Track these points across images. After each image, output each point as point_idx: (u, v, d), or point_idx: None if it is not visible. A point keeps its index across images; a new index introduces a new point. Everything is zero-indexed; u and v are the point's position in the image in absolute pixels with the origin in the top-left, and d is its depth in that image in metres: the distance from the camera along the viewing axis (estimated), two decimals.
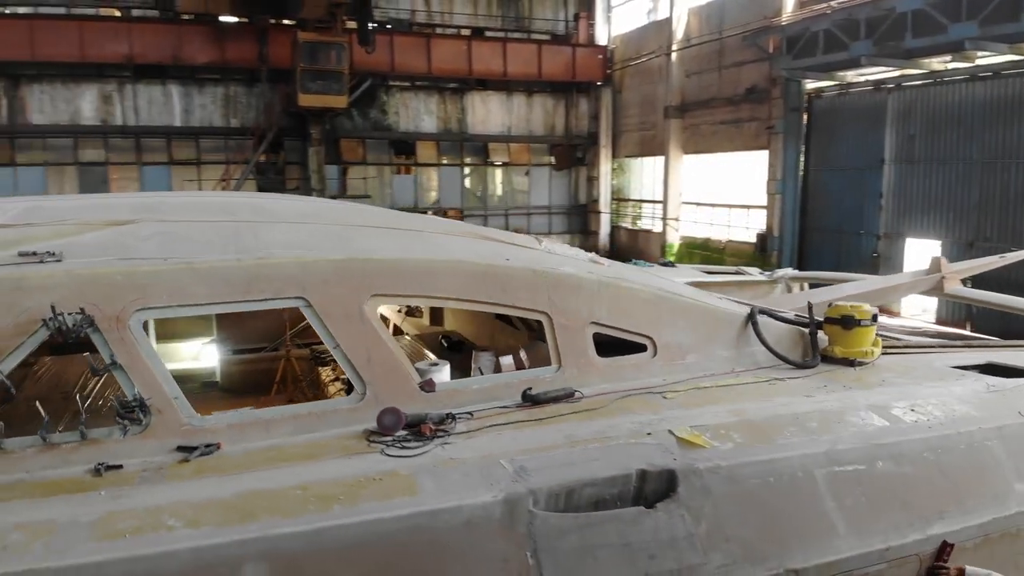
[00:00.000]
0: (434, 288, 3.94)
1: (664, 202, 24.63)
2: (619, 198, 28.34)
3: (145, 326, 3.37)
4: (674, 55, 23.52)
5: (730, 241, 22.20)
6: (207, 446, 3.21)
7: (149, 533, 2.56)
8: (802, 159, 19.54)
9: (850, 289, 8.22)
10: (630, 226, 27.73)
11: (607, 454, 3.21)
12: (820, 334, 4.87)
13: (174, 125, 24.00)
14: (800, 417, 3.65)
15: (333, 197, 24.84)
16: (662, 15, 24.56)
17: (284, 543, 2.60)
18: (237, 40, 23.07)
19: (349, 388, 3.82)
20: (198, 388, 7.82)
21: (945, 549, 3.42)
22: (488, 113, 27.21)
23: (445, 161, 27.26)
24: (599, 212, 28.24)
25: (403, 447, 3.24)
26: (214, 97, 24.31)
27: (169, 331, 8.61)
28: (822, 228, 19.46)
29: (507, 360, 4.47)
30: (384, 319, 7.79)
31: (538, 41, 26.80)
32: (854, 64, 16.24)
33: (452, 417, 3.54)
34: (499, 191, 28.40)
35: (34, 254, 3.39)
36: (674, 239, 24.49)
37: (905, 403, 3.92)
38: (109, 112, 23.38)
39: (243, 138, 24.12)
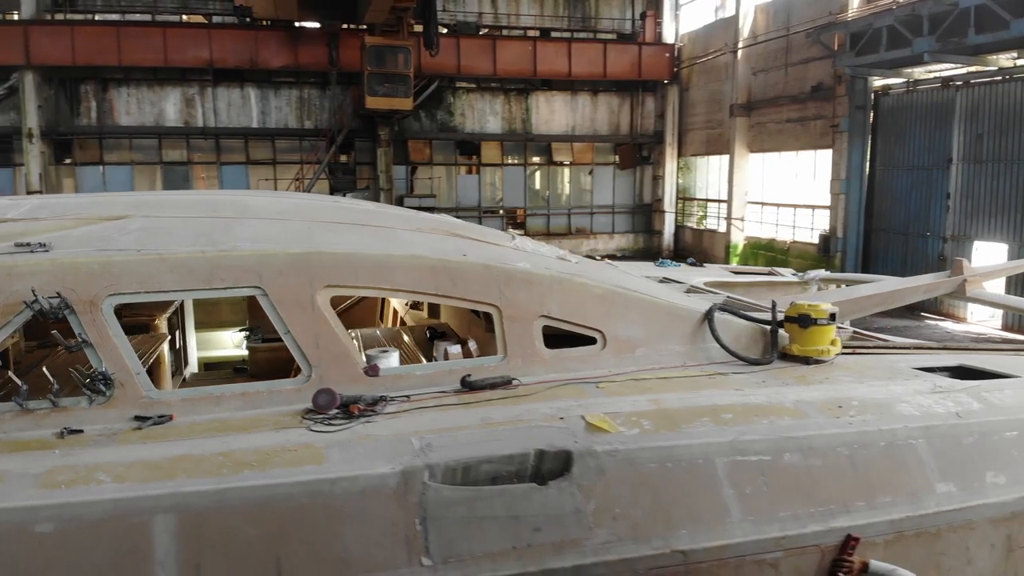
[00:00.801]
0: (387, 281, 4.24)
1: (728, 201, 24.34)
2: (684, 197, 28.12)
3: (117, 311, 3.81)
4: (740, 52, 23.22)
5: (794, 242, 21.78)
6: (160, 417, 3.61)
7: (79, 485, 2.97)
8: (867, 158, 19.02)
9: (868, 290, 8.15)
10: (695, 226, 27.48)
11: (511, 435, 3.44)
12: (784, 332, 4.94)
13: (251, 127, 25.20)
14: (718, 409, 3.78)
15: (400, 197, 25.67)
16: (729, 12, 24.26)
17: (192, 500, 2.95)
18: (310, 45, 24.02)
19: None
20: (229, 373, 8.41)
21: (849, 542, 3.49)
22: (552, 113, 27.45)
23: (509, 161, 27.64)
24: (663, 212, 28.08)
25: (329, 424, 3.56)
26: (289, 100, 25.39)
27: (213, 320, 9.28)
28: (887, 229, 18.89)
29: (455, 349, 4.73)
30: (394, 312, 8.18)
31: (604, 40, 26.86)
32: (917, 61, 15.75)
33: (385, 399, 3.84)
34: (562, 190, 28.60)
35: (27, 245, 3.88)
36: (738, 239, 24.17)
37: (835, 400, 3.99)
38: (191, 114, 24.74)
39: (316, 139, 25.12)
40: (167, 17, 24.62)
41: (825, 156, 20.02)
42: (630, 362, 4.53)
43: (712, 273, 9.40)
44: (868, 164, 19.04)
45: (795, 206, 21.78)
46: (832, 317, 4.76)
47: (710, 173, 26.51)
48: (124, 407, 3.62)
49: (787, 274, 9.55)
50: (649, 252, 28.42)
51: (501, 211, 27.56)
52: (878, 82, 18.43)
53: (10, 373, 3.56)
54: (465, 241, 4.89)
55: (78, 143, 24.29)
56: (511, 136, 27.27)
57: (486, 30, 26.85)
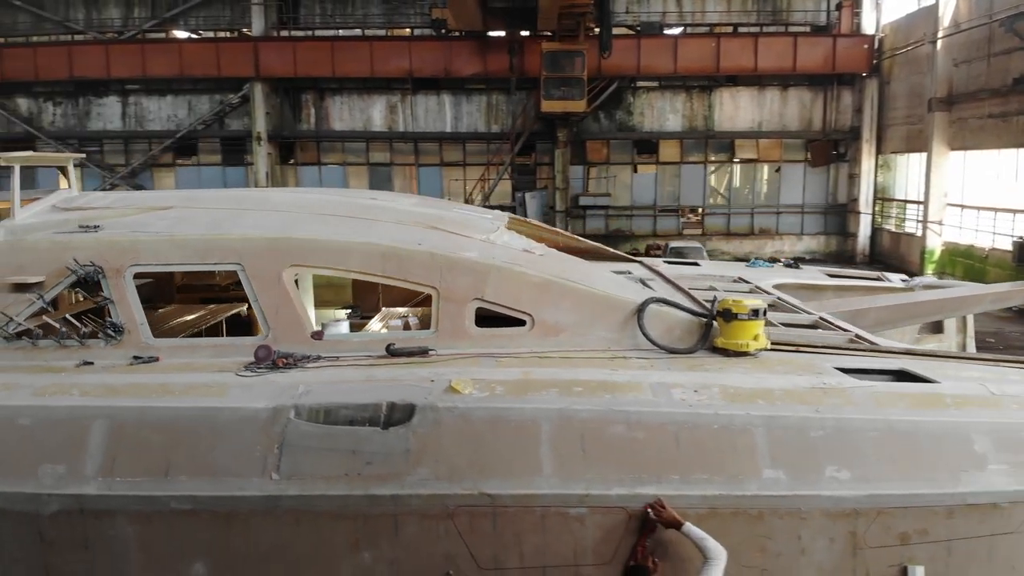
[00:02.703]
0: (343, 263, 5.14)
1: (925, 203, 22.49)
2: (883, 198, 26.23)
3: (136, 277, 5.07)
4: (940, 43, 21.35)
5: (992, 249, 19.73)
6: (150, 358, 4.80)
7: (56, 395, 4.19)
8: None
9: (954, 293, 7.78)
10: (893, 229, 25.55)
11: (375, 389, 4.17)
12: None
13: (445, 131, 27.34)
14: (574, 383, 4.22)
15: (576, 196, 26.58)
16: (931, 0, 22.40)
17: (120, 412, 4.04)
18: (497, 53, 25.60)
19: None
20: None
21: (657, 507, 3.82)
22: (737, 109, 26.85)
23: (689, 159, 27.44)
24: (859, 213, 26.38)
25: (254, 371, 4.52)
26: (479, 105, 27.21)
27: (325, 299, 10.75)
28: None
29: (396, 323, 5.46)
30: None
31: (793, 33, 25.80)
32: None
33: (315, 358, 4.74)
34: (745, 189, 27.85)
35: (86, 227, 5.27)
36: (935, 245, 22.26)
37: (699, 384, 4.26)
38: (393, 120, 27.37)
39: (501, 142, 26.73)
40: (375, 31, 27.39)
41: None
42: (553, 344, 5.05)
43: (802, 275, 9.28)
44: None
45: (995, 209, 19.71)
46: (755, 313, 4.93)
47: (910, 172, 24.53)
48: (128, 349, 4.86)
49: (896, 280, 9.23)
50: (842, 256, 26.88)
51: (678, 210, 27.45)
52: None
53: (46, 318, 4.90)
54: (434, 232, 5.65)
55: (299, 146, 27.84)
56: (691, 134, 27.07)
57: (673, 29, 26.88)
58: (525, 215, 26.76)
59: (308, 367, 4.63)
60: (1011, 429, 4.07)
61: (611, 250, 9.45)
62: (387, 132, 27.42)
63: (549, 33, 24.44)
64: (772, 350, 5.05)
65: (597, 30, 24.06)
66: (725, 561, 3.67)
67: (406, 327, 5.96)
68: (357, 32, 27.15)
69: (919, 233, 23.20)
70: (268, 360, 4.67)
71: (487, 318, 5.14)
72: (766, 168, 27.59)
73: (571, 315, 5.11)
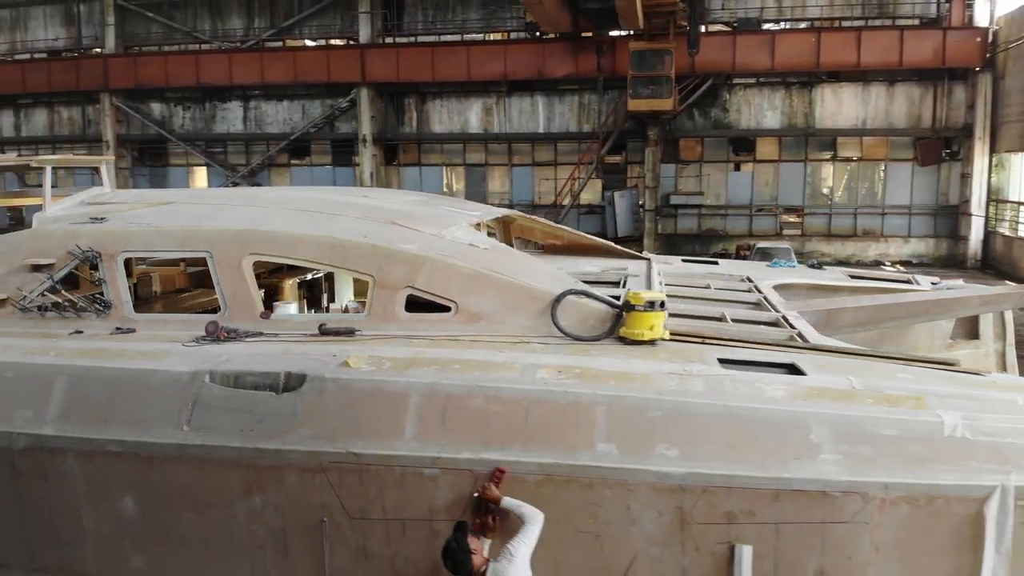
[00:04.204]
0: (295, 253, 5.84)
1: None
2: (997, 199, 24.57)
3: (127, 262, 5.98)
4: None
5: None
6: (128, 329, 5.68)
7: (35, 355, 5.11)
8: None
9: (940, 296, 7.67)
10: (1008, 232, 23.91)
11: (282, 360, 4.81)
12: None
13: (538, 132, 27.98)
14: (456, 361, 4.68)
15: (667, 195, 26.50)
16: None
17: (79, 371, 4.90)
18: (588, 53, 25.97)
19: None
20: None
21: (495, 472, 4.26)
22: (840, 106, 25.92)
23: (787, 157, 26.72)
24: (971, 215, 24.85)
25: (198, 343, 5.29)
26: (571, 105, 27.66)
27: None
28: None
29: (336, 305, 6.04)
30: None
31: (900, 27, 24.63)
32: None
33: (256, 334, 5.46)
34: (848, 189, 26.80)
35: (95, 219, 6.24)
36: None
37: (562, 366, 4.63)
38: (489, 121, 28.28)
39: (592, 141, 27.05)
40: (473, 36, 28.37)
41: None
42: (473, 329, 5.54)
43: (821, 276, 9.27)
44: None
45: None
46: (651, 304, 5.24)
47: None
48: (113, 321, 5.77)
49: (925, 283, 9.11)
50: (953, 259, 25.43)
51: (775, 209, 26.79)
52: None
53: (49, 294, 5.89)
54: (389, 227, 6.24)
55: (402, 147, 29.28)
56: (790, 131, 26.37)
57: (768, 24, 26.28)
58: (614, 214, 27.04)
59: (245, 341, 5.36)
60: (853, 422, 4.20)
61: (617, 247, 9.78)
62: (483, 133, 28.36)
63: (639, 32, 24.54)
64: (676, 341, 5.33)
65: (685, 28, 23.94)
66: (541, 522, 4.09)
67: (345, 311, 6.62)
68: (456, 37, 28.21)
69: None
70: (214, 334, 5.44)
71: (422, 305, 5.71)
72: (871, 167, 26.45)
73: (492, 303, 5.58)
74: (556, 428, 4.36)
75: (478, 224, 7.40)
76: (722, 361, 4.90)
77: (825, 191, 26.90)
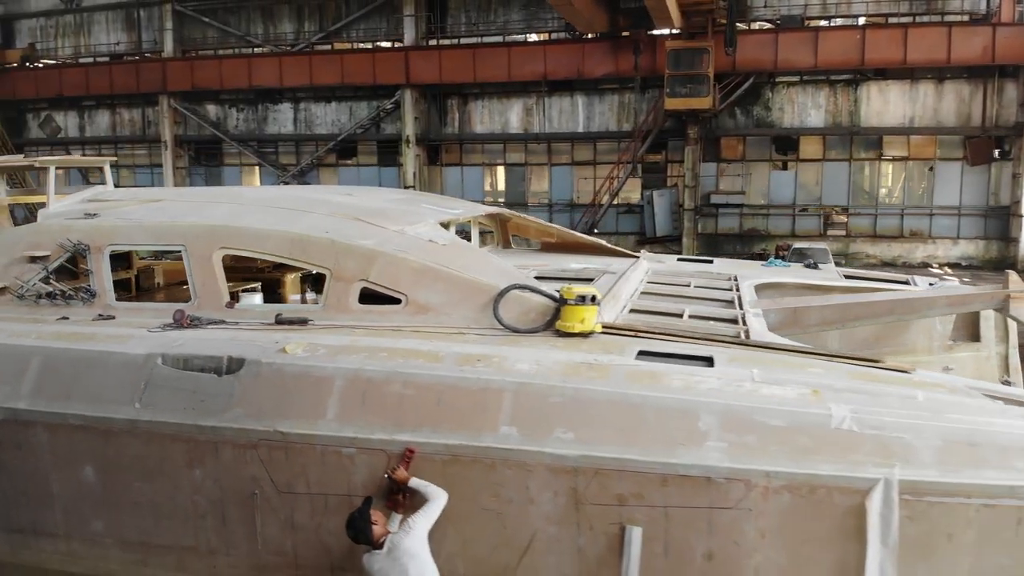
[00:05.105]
0: (261, 247, 6.24)
1: None
2: None
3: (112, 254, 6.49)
4: None
5: None
6: (108, 316, 6.18)
7: (19, 338, 5.63)
8: None
9: (907, 295, 7.68)
10: None
11: (227, 346, 5.22)
12: None
13: (577, 131, 28.11)
14: (383, 349, 5.00)
15: (707, 195, 26.35)
16: None
17: (51, 352, 5.40)
18: (627, 52, 25.99)
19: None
20: None
21: (405, 452, 4.57)
22: (886, 104, 25.29)
23: (831, 156, 26.22)
24: (1022, 216, 24.00)
25: (162, 328, 5.74)
26: (611, 104, 27.70)
27: None
28: None
29: (295, 297, 6.40)
30: None
31: (948, 23, 23.92)
32: None
33: (218, 321, 5.88)
34: (894, 188, 26.15)
35: (87, 215, 6.78)
36: None
37: (481, 355, 4.88)
38: (529, 122, 28.54)
39: (631, 140, 27.05)
40: (514, 37, 28.68)
41: None
42: (421, 320, 5.85)
43: (828, 276, 9.32)
44: None
45: None
46: (582, 299, 5.46)
47: None
48: (96, 309, 6.28)
49: (924, 284, 9.11)
50: (1003, 262, 24.49)
51: (819, 209, 26.33)
52: None
53: (47, 285, 6.44)
54: (353, 223, 6.60)
55: (444, 148, 29.78)
56: (835, 130, 25.85)
57: (811, 21, 25.84)
58: (652, 214, 27.00)
59: (205, 328, 5.79)
60: (741, 411, 4.37)
61: (608, 245, 9.97)
62: (523, 134, 28.62)
63: (678, 31, 24.47)
64: (609, 333, 5.55)
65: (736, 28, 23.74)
66: (444, 501, 4.39)
67: (304, 301, 7.01)
68: (498, 38, 28.54)
69: None
70: (179, 321, 5.89)
71: (378, 297, 6.05)
72: (918, 166, 25.75)
73: (439, 296, 5.88)
74: (465, 412, 4.64)
75: (449, 222, 7.70)
76: (642, 353, 5.10)
77: (870, 191, 26.29)
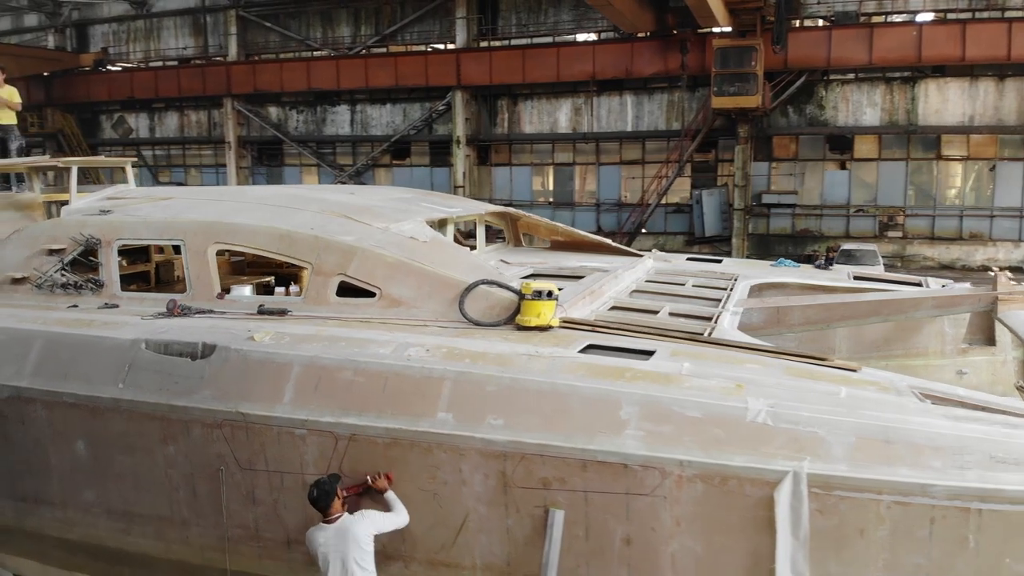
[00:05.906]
0: (251, 242, 6.66)
1: None
2: None
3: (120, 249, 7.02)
4: None
5: None
6: (112, 305, 6.70)
7: (23, 323, 6.19)
8: None
9: (893, 296, 7.64)
10: None
11: (204, 333, 5.63)
12: None
13: (626, 130, 28.12)
14: (343, 340, 5.35)
15: (758, 194, 26.01)
16: None
17: (52, 336, 5.91)
18: (675, 51, 25.87)
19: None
20: None
21: (388, 475, 4.83)
22: (944, 102, 24.50)
23: (887, 156, 25.53)
24: None
25: (154, 317, 6.20)
26: (660, 103, 27.61)
27: None
28: None
29: (280, 290, 6.76)
30: None
31: (1008, 19, 23.01)
32: None
33: (207, 311, 6.31)
34: (953, 189, 25.28)
35: (102, 211, 7.34)
36: None
37: (432, 346, 5.17)
38: (578, 121, 28.68)
39: (681, 139, 26.89)
40: (564, 37, 28.84)
41: None
42: (393, 313, 6.17)
43: (820, 276, 9.32)
44: None
45: None
46: (539, 294, 5.68)
47: None
48: (103, 298, 6.82)
49: (936, 286, 9.06)
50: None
51: (874, 210, 25.65)
52: None
53: (62, 276, 7.01)
54: (340, 220, 6.96)
55: (494, 148, 30.18)
56: (891, 128, 25.16)
57: (866, 18, 25.21)
58: (701, 213, 26.79)
59: (193, 316, 6.25)
60: (662, 403, 4.53)
61: (614, 244, 10.13)
62: (572, 134, 28.80)
63: (727, 29, 24.23)
64: (567, 328, 5.76)
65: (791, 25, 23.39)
66: (404, 522, 4.75)
67: (287, 293, 7.42)
68: (548, 39, 28.76)
69: None
70: (171, 310, 6.36)
71: (356, 290, 6.40)
72: (978, 166, 24.85)
73: (410, 290, 6.19)
74: (407, 398, 4.94)
75: (445, 220, 8.00)
76: (590, 347, 5.30)
77: (928, 191, 25.48)
